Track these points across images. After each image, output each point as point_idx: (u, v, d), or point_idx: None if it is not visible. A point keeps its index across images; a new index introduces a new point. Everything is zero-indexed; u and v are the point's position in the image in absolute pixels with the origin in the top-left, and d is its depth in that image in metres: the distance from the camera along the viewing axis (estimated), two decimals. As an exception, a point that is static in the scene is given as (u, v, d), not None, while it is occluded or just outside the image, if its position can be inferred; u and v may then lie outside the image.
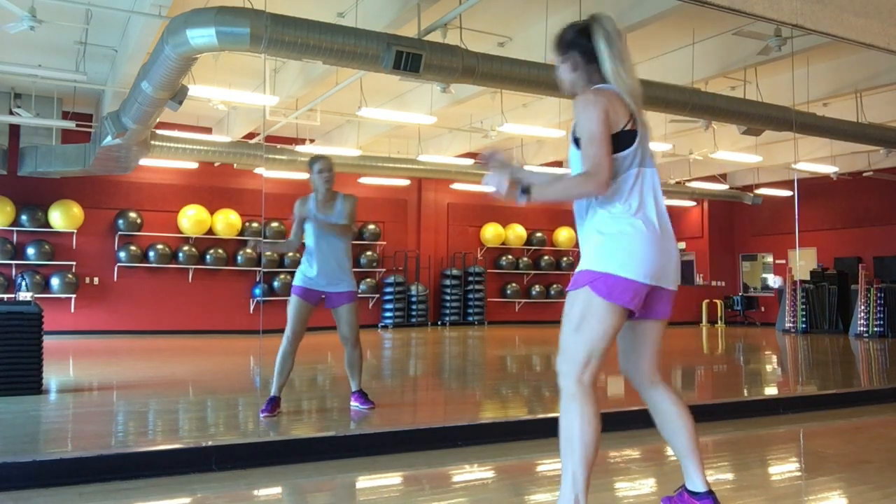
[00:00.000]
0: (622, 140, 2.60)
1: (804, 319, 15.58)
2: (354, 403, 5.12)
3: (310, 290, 4.98)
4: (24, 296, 6.78)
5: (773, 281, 18.65)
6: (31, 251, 12.58)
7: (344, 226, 4.98)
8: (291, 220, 5.13)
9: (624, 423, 4.57)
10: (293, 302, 4.96)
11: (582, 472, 2.50)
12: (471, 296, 16.61)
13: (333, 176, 5.03)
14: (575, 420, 2.53)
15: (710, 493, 2.67)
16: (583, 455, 2.50)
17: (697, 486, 2.69)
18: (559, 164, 15.95)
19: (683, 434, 2.70)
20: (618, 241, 2.57)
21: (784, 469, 4.00)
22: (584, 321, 2.58)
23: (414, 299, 15.97)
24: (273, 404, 4.84)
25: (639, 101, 2.67)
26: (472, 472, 3.85)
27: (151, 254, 13.66)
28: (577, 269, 2.65)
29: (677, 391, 2.76)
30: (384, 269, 15.95)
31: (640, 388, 2.79)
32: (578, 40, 2.71)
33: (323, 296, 5.02)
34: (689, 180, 17.16)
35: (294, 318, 4.93)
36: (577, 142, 2.64)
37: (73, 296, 12.97)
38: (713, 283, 19.14)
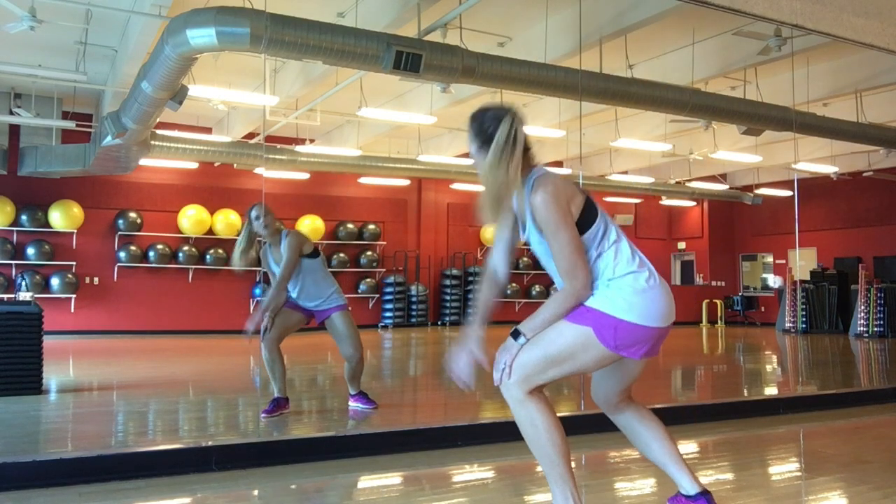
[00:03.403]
0: (587, 218, 2.52)
1: (804, 319, 15.57)
2: (356, 404, 5.12)
3: (297, 304, 4.98)
4: (24, 296, 6.80)
5: (773, 281, 18.65)
6: (31, 251, 12.57)
7: (286, 268, 4.76)
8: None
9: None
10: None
11: (565, 469, 2.46)
12: (471, 296, 16.60)
13: (272, 219, 4.95)
14: (539, 425, 2.47)
15: (704, 493, 2.63)
16: (558, 454, 2.46)
17: (688, 488, 2.64)
18: (559, 163, 15.93)
19: (656, 443, 2.67)
20: (631, 292, 2.44)
21: (784, 469, 4.00)
22: (571, 357, 2.45)
23: (414, 299, 15.97)
24: (277, 405, 4.84)
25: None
26: (472, 472, 3.85)
27: (151, 254, 13.65)
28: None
29: (637, 401, 2.72)
30: (384, 269, 15.95)
31: (606, 412, 2.78)
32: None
33: (311, 313, 5.00)
34: (689, 180, 17.15)
35: (275, 322, 4.83)
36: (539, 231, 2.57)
37: (73, 296, 12.97)
38: (713, 283, 19.14)
